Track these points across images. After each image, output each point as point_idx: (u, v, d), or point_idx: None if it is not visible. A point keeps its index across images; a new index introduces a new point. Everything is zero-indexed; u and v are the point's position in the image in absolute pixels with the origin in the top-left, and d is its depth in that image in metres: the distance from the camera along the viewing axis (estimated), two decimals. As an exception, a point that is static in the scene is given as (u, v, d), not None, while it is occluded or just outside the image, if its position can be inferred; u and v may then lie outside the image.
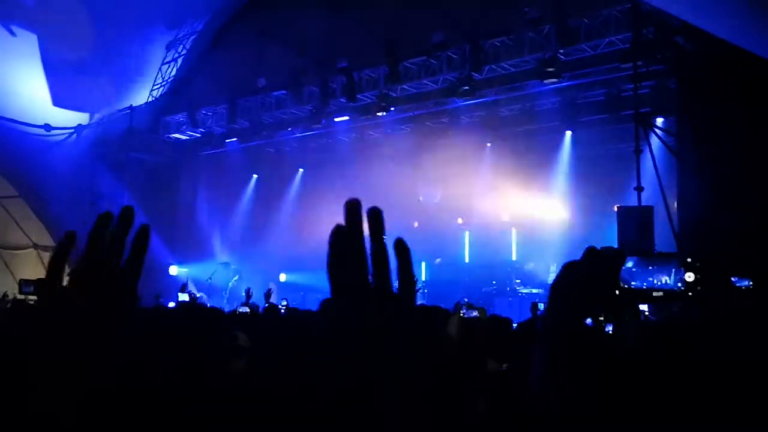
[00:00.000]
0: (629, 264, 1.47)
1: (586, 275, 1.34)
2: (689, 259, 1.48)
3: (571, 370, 1.29)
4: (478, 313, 4.66)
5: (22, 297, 8.16)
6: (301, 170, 17.69)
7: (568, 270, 1.36)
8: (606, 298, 1.34)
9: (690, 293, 1.48)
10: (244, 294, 10.63)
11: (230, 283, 14.76)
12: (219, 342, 3.03)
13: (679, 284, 1.45)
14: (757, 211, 7.93)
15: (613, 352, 1.59)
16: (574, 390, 1.27)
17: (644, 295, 1.45)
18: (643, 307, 8.16)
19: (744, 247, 7.54)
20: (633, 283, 1.43)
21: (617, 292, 1.37)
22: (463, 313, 4.73)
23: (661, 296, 1.49)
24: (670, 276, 1.42)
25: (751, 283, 6.74)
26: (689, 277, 1.45)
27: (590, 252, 1.36)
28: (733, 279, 6.87)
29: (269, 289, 10.52)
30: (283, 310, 8.26)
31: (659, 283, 1.44)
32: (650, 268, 1.47)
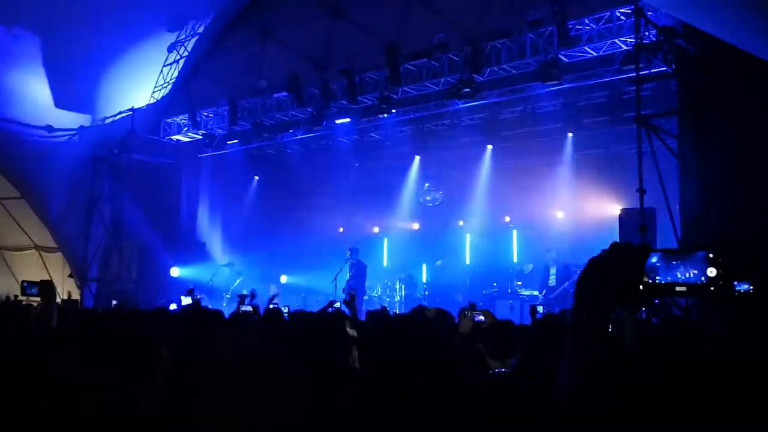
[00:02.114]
0: (653, 259, 1.46)
1: (612, 269, 1.34)
2: (711, 255, 1.47)
3: (599, 361, 1.29)
4: (483, 315, 4.65)
5: (23, 299, 8.14)
6: (302, 172, 17.70)
7: (593, 264, 1.36)
8: (631, 292, 1.34)
9: (712, 288, 1.47)
10: (247, 294, 10.59)
11: (234, 285, 14.74)
12: (225, 345, 3.03)
13: (702, 278, 1.45)
14: (760, 214, 7.92)
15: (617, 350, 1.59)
16: (602, 381, 1.27)
17: (667, 289, 1.43)
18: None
19: (746, 250, 7.53)
20: (657, 277, 1.43)
21: (641, 287, 1.37)
22: (469, 316, 4.72)
23: (684, 291, 1.47)
24: (692, 271, 1.42)
25: (751, 287, 6.72)
26: (711, 272, 1.45)
27: (615, 247, 1.36)
28: (734, 283, 6.85)
29: (274, 295, 10.49)
30: (285, 316, 8.23)
31: (682, 278, 1.44)
32: (674, 262, 1.46)
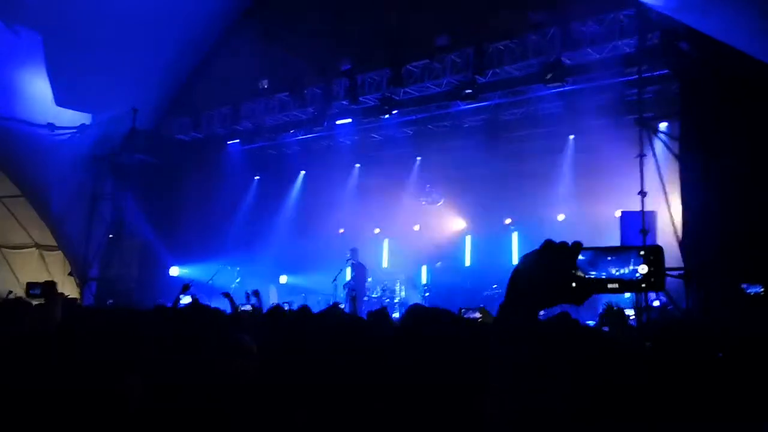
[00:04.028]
0: (586, 255, 1.45)
1: (544, 266, 1.35)
2: (642, 252, 1.47)
3: (524, 357, 1.28)
4: (480, 313, 4.66)
5: (26, 299, 8.13)
6: (303, 172, 17.69)
7: (526, 261, 1.38)
8: (563, 287, 1.35)
9: (644, 284, 1.48)
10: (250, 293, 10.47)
11: (232, 285, 14.69)
12: (224, 343, 3.03)
13: (635, 275, 1.45)
14: (762, 216, 7.91)
15: (610, 353, 1.58)
16: (527, 379, 1.26)
17: (600, 285, 1.43)
18: (629, 312, 8.14)
19: (751, 252, 7.52)
20: (591, 273, 1.42)
21: (574, 283, 1.38)
22: (464, 315, 4.72)
23: (616, 287, 1.47)
24: (626, 267, 1.42)
25: (762, 289, 6.71)
26: (643, 269, 1.45)
27: (547, 244, 1.38)
28: (743, 286, 6.85)
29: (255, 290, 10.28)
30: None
31: (615, 274, 1.44)
32: (608, 258, 1.46)
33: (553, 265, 1.37)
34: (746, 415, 2.13)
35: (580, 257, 1.40)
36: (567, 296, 1.38)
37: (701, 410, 2.03)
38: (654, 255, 1.38)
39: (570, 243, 1.40)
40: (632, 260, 1.41)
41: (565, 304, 1.42)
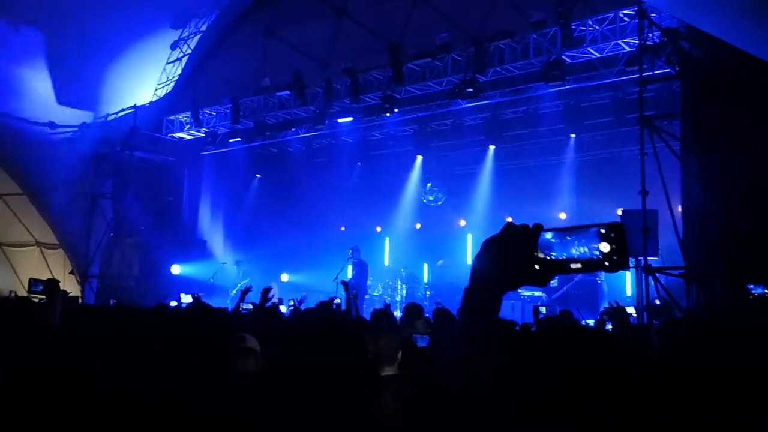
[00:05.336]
0: (548, 235, 1.44)
1: (505, 248, 1.36)
2: (603, 230, 1.45)
3: (487, 340, 1.29)
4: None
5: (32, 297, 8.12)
6: (304, 170, 17.69)
7: (487, 245, 1.39)
8: (525, 269, 1.35)
9: (607, 263, 1.46)
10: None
11: (240, 284, 14.61)
12: (228, 344, 3.04)
13: (596, 254, 1.44)
14: (762, 216, 7.90)
15: (609, 349, 1.58)
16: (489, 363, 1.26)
17: (563, 265, 1.42)
18: (630, 310, 8.13)
19: (754, 252, 7.52)
20: (552, 254, 1.41)
21: (537, 265, 1.38)
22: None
23: (579, 267, 1.46)
24: (588, 246, 1.41)
25: (766, 290, 6.70)
26: (605, 247, 1.44)
27: (508, 227, 1.39)
28: (749, 286, 6.84)
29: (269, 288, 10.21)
30: (288, 312, 8.21)
31: (578, 254, 1.43)
32: (567, 239, 1.45)
33: (515, 247, 1.37)
34: (747, 414, 2.13)
35: (542, 238, 1.39)
36: (529, 278, 1.38)
37: (703, 409, 2.03)
38: (615, 232, 1.35)
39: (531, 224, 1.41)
40: (594, 239, 1.38)
41: (528, 285, 1.42)
